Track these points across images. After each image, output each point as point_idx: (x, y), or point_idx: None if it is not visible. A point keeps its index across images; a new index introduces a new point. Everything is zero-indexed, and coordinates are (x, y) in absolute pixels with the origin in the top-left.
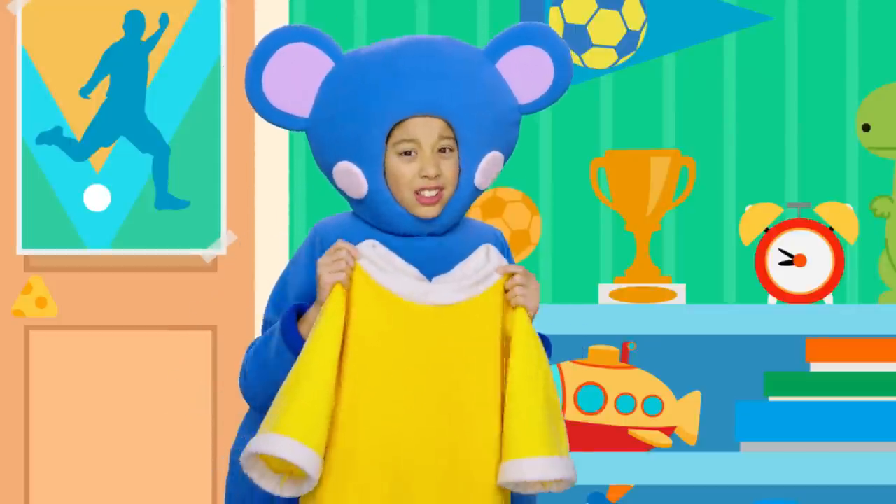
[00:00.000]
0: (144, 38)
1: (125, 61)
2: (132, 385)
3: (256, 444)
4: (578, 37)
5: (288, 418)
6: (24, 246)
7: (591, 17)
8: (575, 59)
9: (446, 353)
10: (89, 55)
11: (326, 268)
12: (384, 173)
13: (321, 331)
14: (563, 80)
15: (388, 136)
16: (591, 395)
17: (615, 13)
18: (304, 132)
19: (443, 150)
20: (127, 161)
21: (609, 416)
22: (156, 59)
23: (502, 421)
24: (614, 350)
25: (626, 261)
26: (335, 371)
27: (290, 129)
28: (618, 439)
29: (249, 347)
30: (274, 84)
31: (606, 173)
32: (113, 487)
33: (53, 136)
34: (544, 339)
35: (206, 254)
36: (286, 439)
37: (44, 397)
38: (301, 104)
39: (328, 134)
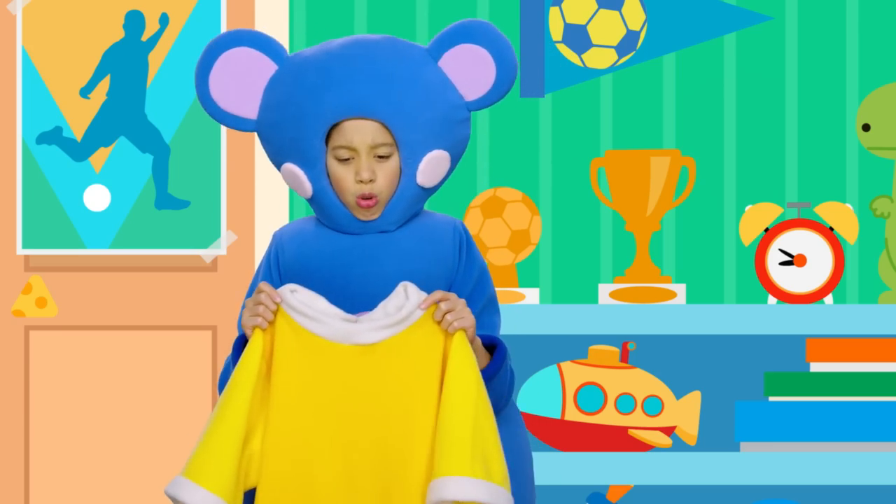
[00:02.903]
0: (144, 38)
1: (125, 61)
2: (132, 385)
3: (169, 485)
4: (578, 37)
5: (195, 463)
6: (24, 246)
7: (591, 17)
8: (575, 59)
9: (374, 393)
10: (89, 55)
11: (247, 311)
12: (328, 174)
13: (236, 376)
14: (506, 77)
15: (329, 138)
16: (591, 395)
17: (615, 13)
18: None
19: (381, 155)
20: (127, 161)
21: (609, 416)
22: (156, 59)
23: None
24: (614, 350)
25: (626, 261)
26: (245, 416)
27: (241, 130)
28: (618, 439)
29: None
30: (220, 88)
31: (606, 173)
32: (113, 487)
33: (53, 136)
34: (500, 344)
35: (206, 254)
36: (191, 485)
37: (44, 397)
38: (248, 107)
39: (272, 136)
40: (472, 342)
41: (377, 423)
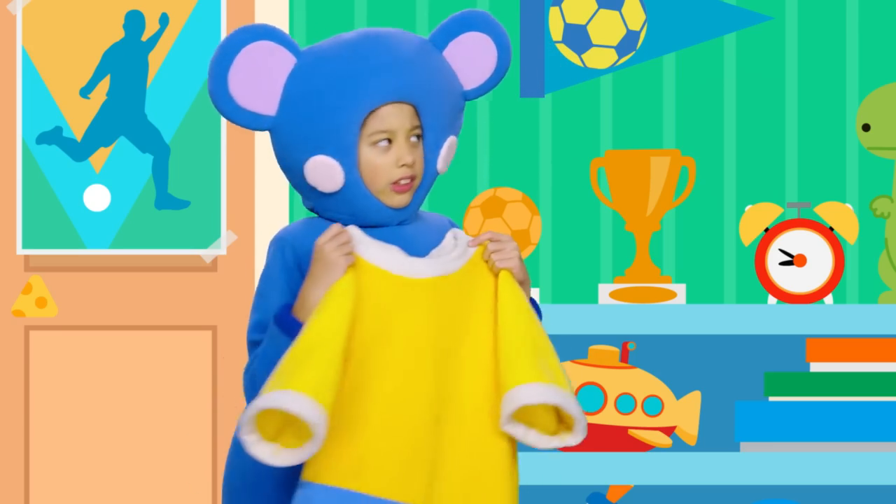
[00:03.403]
0: (144, 38)
1: (125, 61)
2: (132, 385)
3: (269, 399)
4: (578, 37)
5: (301, 377)
6: (24, 246)
7: (591, 17)
8: (575, 59)
9: (441, 324)
10: (89, 55)
11: (337, 250)
12: (359, 165)
13: (333, 304)
14: (505, 65)
15: (362, 127)
16: (591, 395)
17: (615, 13)
18: (268, 132)
19: (417, 136)
20: (127, 161)
21: (609, 416)
22: (156, 59)
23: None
24: (614, 350)
25: (626, 261)
26: (346, 342)
27: (255, 128)
28: (618, 439)
29: (246, 372)
30: (239, 83)
31: (606, 173)
32: (113, 487)
33: (53, 136)
34: (533, 304)
35: (206, 254)
36: (300, 395)
37: (44, 397)
38: (267, 102)
39: (299, 129)
40: (521, 284)
41: (443, 351)
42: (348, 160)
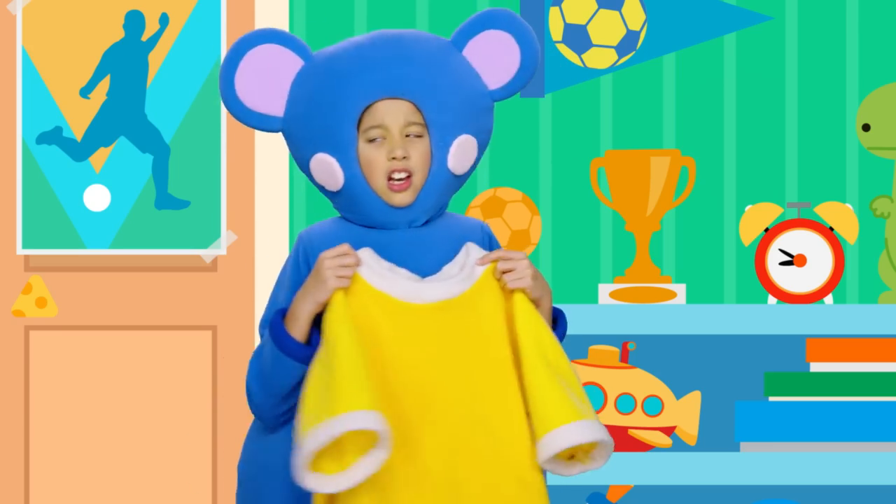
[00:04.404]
0: (144, 38)
1: (125, 61)
2: (132, 385)
3: (332, 427)
4: (578, 37)
5: (346, 397)
6: (24, 246)
7: (591, 17)
8: (575, 59)
9: (449, 349)
10: (89, 55)
11: (333, 271)
12: (359, 162)
13: (334, 327)
14: (531, 62)
15: (360, 123)
16: (591, 396)
17: (615, 13)
18: (279, 133)
19: (411, 135)
20: (127, 161)
21: (609, 416)
22: (156, 59)
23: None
24: (614, 350)
25: (626, 261)
26: (361, 352)
27: (265, 129)
28: (618, 439)
29: (249, 368)
30: (246, 85)
31: (606, 173)
32: (113, 487)
33: (53, 136)
34: (560, 314)
35: (206, 254)
36: (360, 412)
37: (44, 397)
38: (275, 104)
39: (302, 128)
40: (540, 300)
41: (458, 376)
42: (346, 157)
